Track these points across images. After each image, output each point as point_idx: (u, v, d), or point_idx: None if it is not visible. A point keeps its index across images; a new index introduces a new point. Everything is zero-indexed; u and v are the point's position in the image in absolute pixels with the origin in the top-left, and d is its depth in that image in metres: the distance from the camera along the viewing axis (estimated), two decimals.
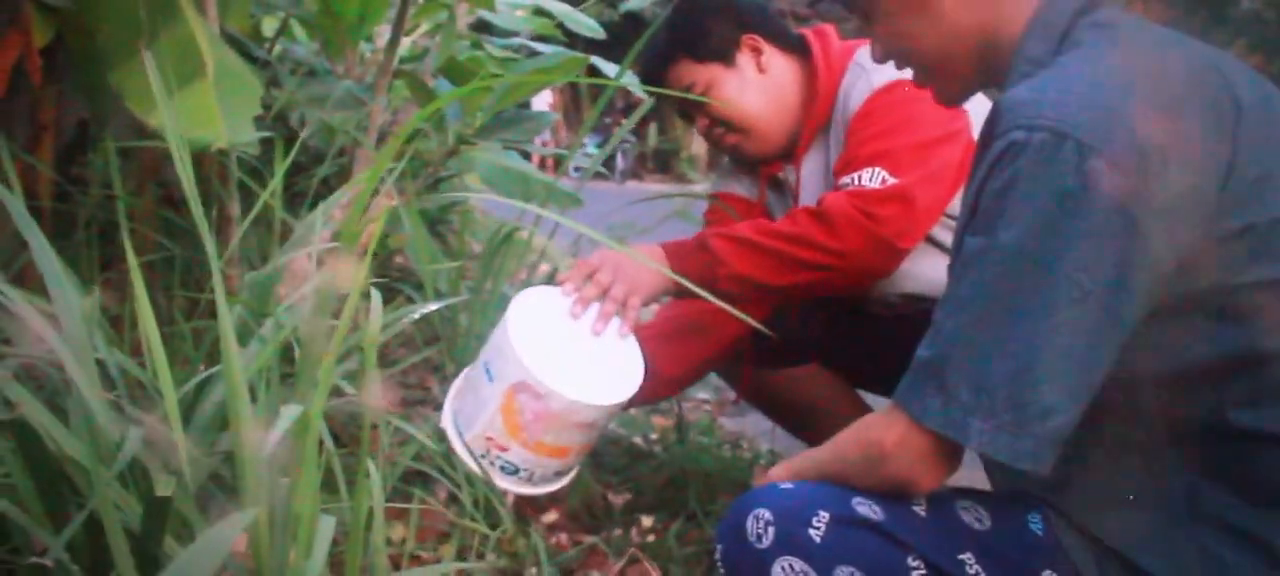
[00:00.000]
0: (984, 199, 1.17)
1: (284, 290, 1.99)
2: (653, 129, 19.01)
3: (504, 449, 1.72)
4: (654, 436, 2.77)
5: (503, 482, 1.76)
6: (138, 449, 1.20)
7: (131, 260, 1.18)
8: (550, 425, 1.69)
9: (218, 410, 1.46)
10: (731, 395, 3.36)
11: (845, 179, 1.90)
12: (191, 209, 1.27)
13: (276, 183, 1.76)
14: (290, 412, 1.03)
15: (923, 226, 1.90)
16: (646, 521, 2.16)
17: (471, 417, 1.76)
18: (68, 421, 1.39)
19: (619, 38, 3.89)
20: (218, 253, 2.17)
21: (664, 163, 19.50)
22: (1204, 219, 1.13)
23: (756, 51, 2.11)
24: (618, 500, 2.25)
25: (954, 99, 1.41)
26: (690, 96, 2.12)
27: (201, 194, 2.51)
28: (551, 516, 2.11)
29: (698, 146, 20.29)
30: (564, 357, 1.71)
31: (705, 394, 3.51)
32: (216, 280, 1.28)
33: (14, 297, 1.33)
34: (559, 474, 1.80)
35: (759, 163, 2.21)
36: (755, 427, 3.08)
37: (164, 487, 1.05)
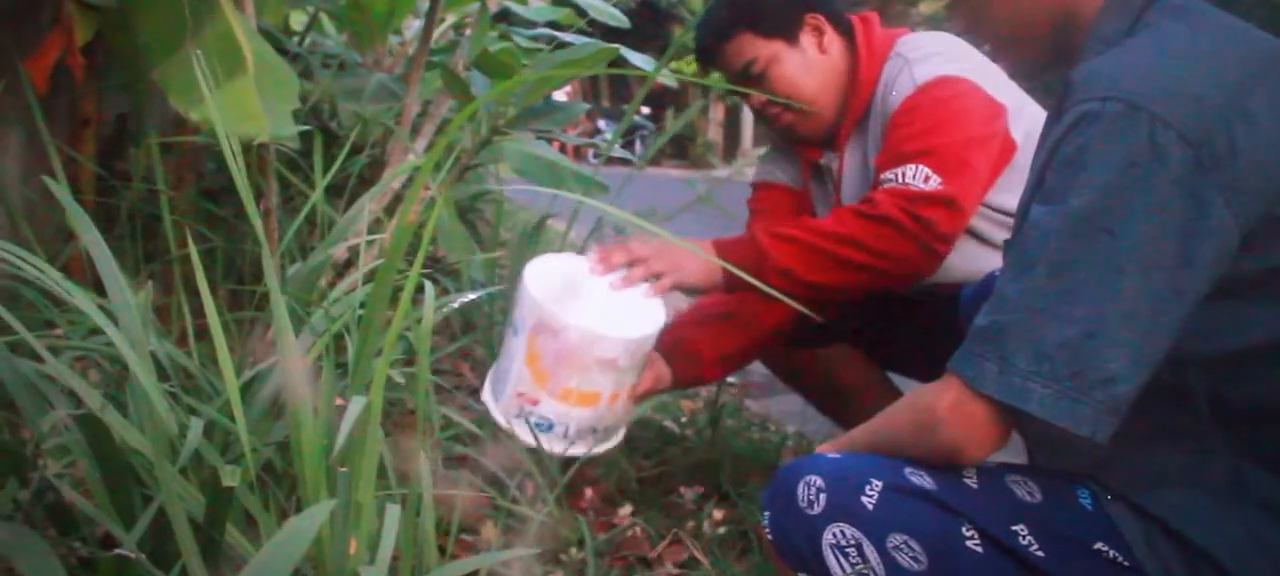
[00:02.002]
0: (1053, 168, 1.19)
1: (327, 281, 2.03)
2: (670, 114, 19.04)
3: (535, 402, 1.75)
4: (683, 419, 2.80)
5: (540, 442, 1.78)
6: (199, 441, 1.23)
7: (194, 255, 1.21)
8: (571, 365, 1.71)
9: (272, 400, 1.49)
10: (757, 378, 3.39)
11: (888, 174, 1.90)
12: (244, 203, 1.30)
13: (325, 180, 1.78)
14: (356, 407, 1.06)
15: (962, 229, 1.91)
16: (681, 501, 2.19)
17: (504, 380, 1.79)
18: (124, 411, 1.43)
19: (637, 27, 3.90)
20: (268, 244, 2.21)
21: (681, 148, 19.53)
22: (1269, 199, 1.15)
23: (819, 32, 2.10)
24: (678, 488, 2.27)
25: (1026, 74, 1.43)
26: (730, 87, 2.12)
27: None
28: (627, 510, 2.13)
29: (714, 132, 20.30)
30: (582, 299, 1.75)
31: (731, 377, 3.53)
32: (269, 273, 1.31)
33: (73, 292, 1.36)
34: (595, 430, 1.81)
35: (805, 145, 2.21)
36: (781, 410, 3.11)
37: (229, 478, 1.08)
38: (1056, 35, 1.34)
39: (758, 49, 2.09)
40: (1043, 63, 1.39)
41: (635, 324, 1.77)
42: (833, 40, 2.11)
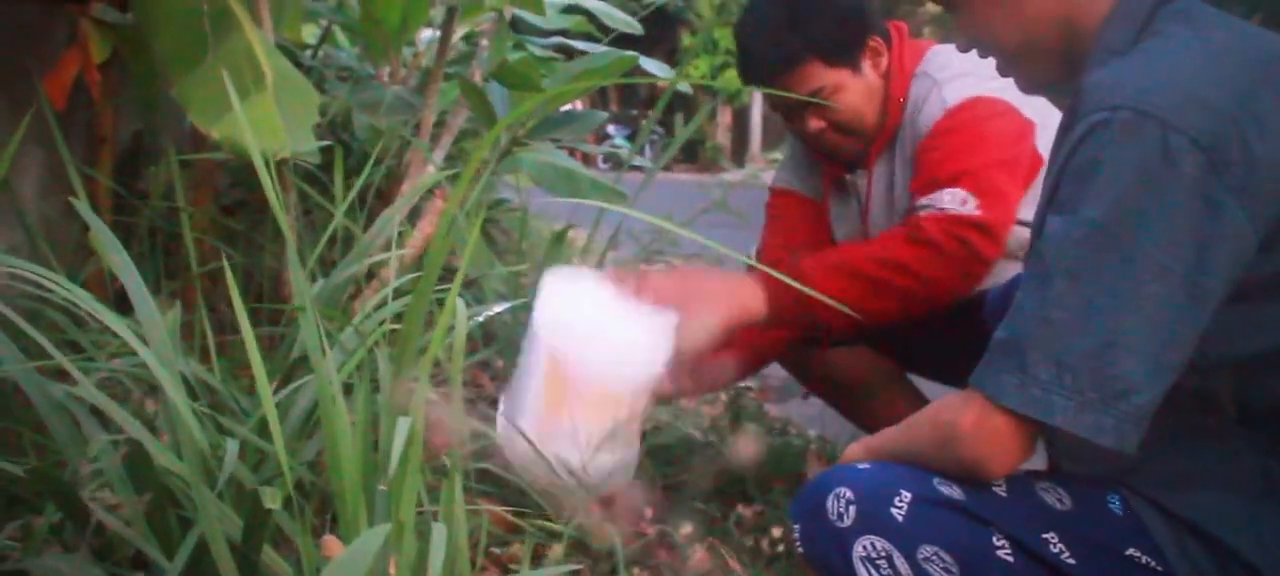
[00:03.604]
0: (1066, 179, 1.18)
1: (347, 295, 2.03)
2: (679, 119, 19.07)
3: (550, 426, 1.74)
4: (705, 425, 2.80)
5: (558, 462, 1.76)
6: (234, 464, 1.23)
7: (228, 274, 1.21)
8: (580, 390, 1.70)
9: (302, 418, 1.49)
10: (776, 382, 3.39)
11: (925, 200, 1.88)
12: (278, 220, 1.30)
13: (350, 196, 1.78)
14: (402, 427, 1.05)
15: (1000, 252, 1.91)
16: (708, 509, 2.19)
17: (520, 404, 1.78)
18: (153, 430, 1.43)
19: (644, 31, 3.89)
20: (286, 262, 2.21)
21: (691, 152, 19.53)
22: None
23: (877, 54, 2.06)
24: (704, 496, 2.27)
25: (1035, 88, 1.43)
26: (802, 97, 2.04)
27: (261, 203, 2.56)
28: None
29: (722, 136, 20.30)
30: (592, 321, 1.74)
31: (750, 381, 3.53)
32: (305, 291, 1.30)
33: (108, 316, 1.36)
34: (611, 449, 1.80)
35: (833, 162, 2.18)
36: (801, 413, 3.10)
37: (270, 500, 1.07)
38: (1062, 48, 1.34)
39: (825, 78, 2.02)
40: (1050, 76, 1.39)
41: (642, 352, 1.75)
42: (885, 60, 2.06)
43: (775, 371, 3.54)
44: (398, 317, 1.63)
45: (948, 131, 1.93)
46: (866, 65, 2.05)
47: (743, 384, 3.45)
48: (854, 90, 2.03)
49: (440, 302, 1.38)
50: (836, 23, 2.02)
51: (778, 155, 5.06)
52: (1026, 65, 1.39)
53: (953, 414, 1.24)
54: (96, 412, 1.43)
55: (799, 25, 2.01)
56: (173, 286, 2.32)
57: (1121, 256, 1.13)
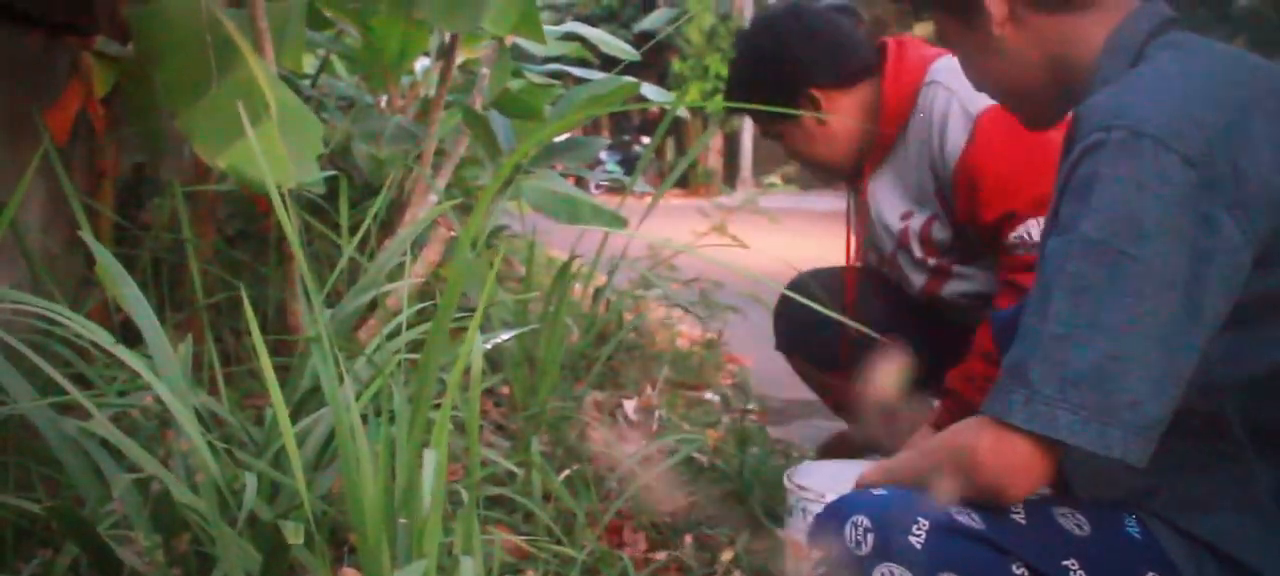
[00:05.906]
0: (1065, 200, 1.20)
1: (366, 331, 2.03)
2: (670, 144, 19.13)
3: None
4: (710, 448, 2.80)
5: None
6: (253, 500, 1.22)
7: (247, 307, 1.21)
8: None
9: (317, 449, 1.48)
10: (776, 403, 3.39)
11: (1013, 237, 1.92)
12: (293, 250, 1.30)
13: (361, 231, 1.78)
14: (430, 460, 1.05)
15: None
16: (714, 532, 2.19)
17: None
18: (164, 460, 1.42)
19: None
20: (292, 290, 2.21)
21: (682, 177, 19.56)
22: (1277, 215, 1.16)
23: (816, 104, 2.12)
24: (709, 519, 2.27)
25: (1040, 125, 1.44)
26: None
27: (262, 234, 2.56)
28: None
29: (714, 160, 20.35)
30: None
31: (751, 404, 3.53)
32: (320, 320, 1.30)
33: (120, 349, 1.35)
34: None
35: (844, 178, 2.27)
36: (802, 435, 3.11)
37: (293, 536, 1.07)
38: (1057, 86, 1.36)
39: (765, 123, 2.21)
40: (1054, 112, 1.41)
41: None
42: (837, 100, 2.13)
43: (776, 393, 3.55)
44: (409, 348, 1.63)
45: (995, 149, 1.94)
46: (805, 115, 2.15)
47: (746, 406, 3.47)
48: (795, 137, 2.19)
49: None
50: (761, 89, 2.15)
51: (773, 179, 5.09)
52: (1026, 105, 1.42)
53: (971, 439, 1.23)
54: (106, 445, 1.42)
55: (738, 84, 2.24)
56: (177, 318, 2.31)
57: (1119, 271, 1.13)
